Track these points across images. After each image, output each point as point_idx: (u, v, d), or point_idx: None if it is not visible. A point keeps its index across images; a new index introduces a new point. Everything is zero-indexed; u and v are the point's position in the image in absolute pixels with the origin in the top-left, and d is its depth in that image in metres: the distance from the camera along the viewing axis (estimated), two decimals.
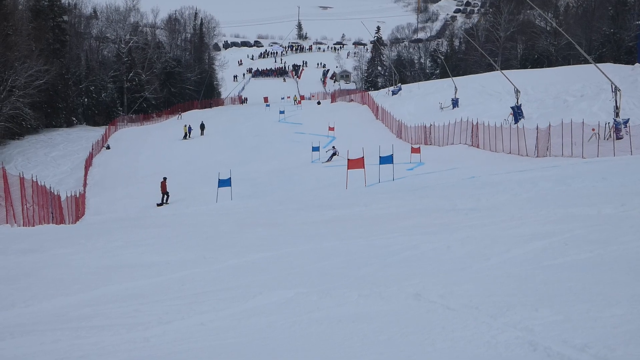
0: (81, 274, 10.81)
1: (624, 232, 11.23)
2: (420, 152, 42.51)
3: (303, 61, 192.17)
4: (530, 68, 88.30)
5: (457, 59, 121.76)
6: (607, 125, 37.41)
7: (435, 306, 7.51)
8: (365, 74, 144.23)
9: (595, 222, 12.44)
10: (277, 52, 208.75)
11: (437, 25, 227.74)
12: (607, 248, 9.93)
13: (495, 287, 8.18)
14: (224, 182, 35.71)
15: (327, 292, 8.46)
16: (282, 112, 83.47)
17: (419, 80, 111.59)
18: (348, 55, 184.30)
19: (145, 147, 66.41)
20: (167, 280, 10.14)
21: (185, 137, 70.33)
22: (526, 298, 7.45)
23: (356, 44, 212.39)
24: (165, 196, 38.48)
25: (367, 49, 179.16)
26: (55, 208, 31.21)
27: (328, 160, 46.97)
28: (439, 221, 14.80)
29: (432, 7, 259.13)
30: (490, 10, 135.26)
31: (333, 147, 49.04)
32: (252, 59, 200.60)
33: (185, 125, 72.25)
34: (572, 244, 10.49)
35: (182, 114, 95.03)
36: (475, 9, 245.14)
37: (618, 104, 37.86)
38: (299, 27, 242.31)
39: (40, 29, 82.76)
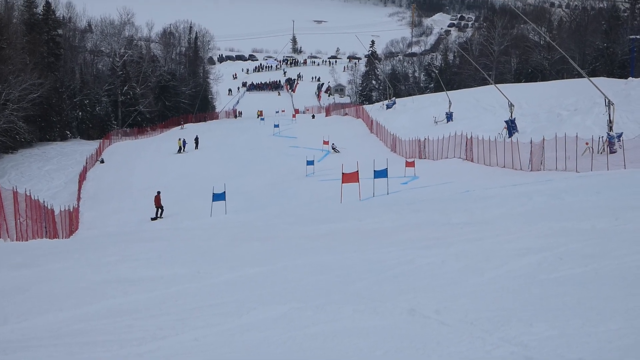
0: (75, 289, 10.77)
1: (618, 246, 11.24)
2: (414, 166, 42.52)
3: (298, 75, 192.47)
4: (524, 82, 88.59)
5: (451, 72, 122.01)
6: (600, 139, 37.49)
7: (430, 321, 7.50)
8: (360, 88, 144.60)
9: (590, 237, 12.44)
10: (271, 66, 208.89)
11: (432, 39, 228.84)
12: (601, 262, 9.93)
13: (490, 301, 8.17)
14: (219, 196, 35.71)
15: (322, 307, 8.44)
16: (276, 126, 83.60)
17: (414, 94, 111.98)
18: (345, 69, 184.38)
19: (139, 161, 66.30)
20: (161, 295, 10.10)
21: (179, 151, 70.31)
22: (521, 313, 7.45)
23: (351, 57, 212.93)
24: (160, 210, 38.43)
25: (357, 63, 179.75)
26: (48, 222, 31.14)
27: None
28: (433, 235, 14.78)
29: (427, 22, 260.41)
30: (484, 24, 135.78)
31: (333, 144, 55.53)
32: (247, 72, 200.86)
33: (180, 139, 72.23)
34: (567, 259, 10.49)
35: (184, 124, 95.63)
36: (469, 23, 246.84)
37: (611, 118, 37.95)
38: (294, 41, 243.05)
39: (34, 43, 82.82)
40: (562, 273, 9.51)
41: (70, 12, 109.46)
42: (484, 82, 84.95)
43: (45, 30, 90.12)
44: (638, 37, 76.50)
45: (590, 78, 43.44)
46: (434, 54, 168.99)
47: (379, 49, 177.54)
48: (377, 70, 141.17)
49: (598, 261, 10.02)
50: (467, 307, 7.90)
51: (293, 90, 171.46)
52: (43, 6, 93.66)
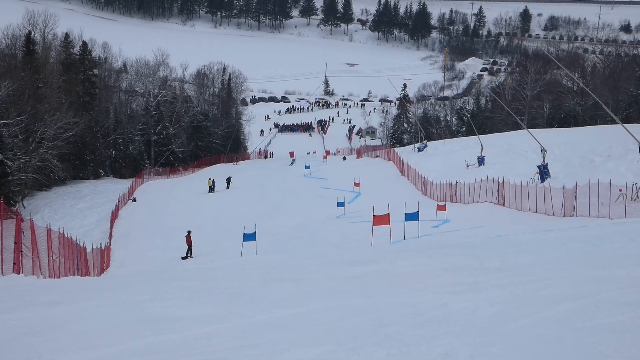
0: (107, 328, 10.80)
1: None
2: (445, 210, 42.41)
3: (329, 117, 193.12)
4: (557, 127, 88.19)
5: (483, 117, 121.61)
6: (634, 186, 37.15)
7: None
8: (391, 131, 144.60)
9: (626, 284, 12.28)
10: (303, 108, 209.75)
11: (464, 83, 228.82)
12: (639, 311, 9.78)
13: (525, 349, 8.08)
14: (249, 236, 35.73)
15: (355, 350, 8.39)
16: (307, 167, 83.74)
17: (445, 138, 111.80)
18: (377, 110, 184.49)
19: (171, 200, 66.70)
20: (194, 335, 10.10)
21: (210, 190, 70.60)
22: None
23: (382, 100, 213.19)
24: (189, 249, 38.57)
25: (389, 106, 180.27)
26: (80, 260, 31.33)
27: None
28: (466, 280, 14.68)
29: (459, 66, 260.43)
30: (517, 69, 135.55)
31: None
32: (279, 114, 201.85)
33: (210, 179, 72.58)
34: (603, 306, 10.35)
35: (237, 161, 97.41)
36: (502, 67, 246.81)
37: None
38: (326, 83, 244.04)
39: (70, 82, 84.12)
40: (599, 321, 9.39)
41: (106, 52, 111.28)
42: (516, 126, 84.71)
43: (82, 70, 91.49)
44: None
45: (624, 124, 43.15)
46: (466, 97, 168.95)
47: (411, 92, 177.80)
48: (409, 113, 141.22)
49: (636, 309, 9.88)
50: (502, 354, 7.82)
51: (324, 132, 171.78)
52: (80, 46, 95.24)
